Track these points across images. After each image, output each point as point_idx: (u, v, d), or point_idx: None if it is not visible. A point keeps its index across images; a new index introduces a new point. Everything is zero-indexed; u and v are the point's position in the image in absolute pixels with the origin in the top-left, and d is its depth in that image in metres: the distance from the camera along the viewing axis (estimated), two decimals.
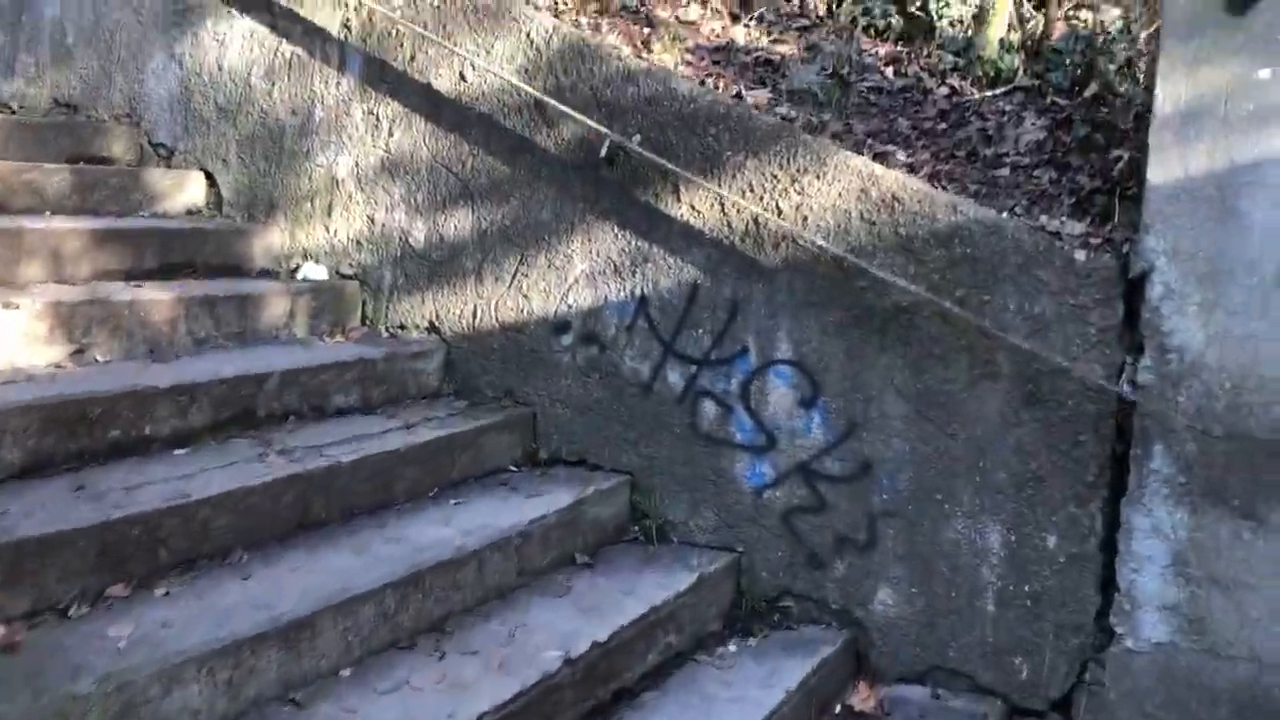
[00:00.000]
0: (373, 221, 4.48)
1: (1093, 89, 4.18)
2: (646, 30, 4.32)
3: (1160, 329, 3.17)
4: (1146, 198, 3.17)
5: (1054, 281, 3.31)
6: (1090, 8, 5.21)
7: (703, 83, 4.06)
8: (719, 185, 3.79)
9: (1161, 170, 3.13)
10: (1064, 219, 3.46)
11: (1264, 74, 2.99)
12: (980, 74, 4.41)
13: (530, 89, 4.02)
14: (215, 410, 3.41)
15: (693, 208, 3.86)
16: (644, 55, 4.12)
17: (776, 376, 3.75)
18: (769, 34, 4.56)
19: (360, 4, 4.39)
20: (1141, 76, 4.43)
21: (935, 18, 4.78)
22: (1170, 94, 3.11)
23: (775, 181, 3.73)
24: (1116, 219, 3.44)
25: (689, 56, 4.24)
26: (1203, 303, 3.10)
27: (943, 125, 4.11)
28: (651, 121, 3.91)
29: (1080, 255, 3.28)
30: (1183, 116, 3.09)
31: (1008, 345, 3.35)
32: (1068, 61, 4.32)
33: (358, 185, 4.50)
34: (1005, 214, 3.47)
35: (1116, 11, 5.24)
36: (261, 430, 3.52)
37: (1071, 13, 5.15)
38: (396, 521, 3.34)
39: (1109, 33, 5.04)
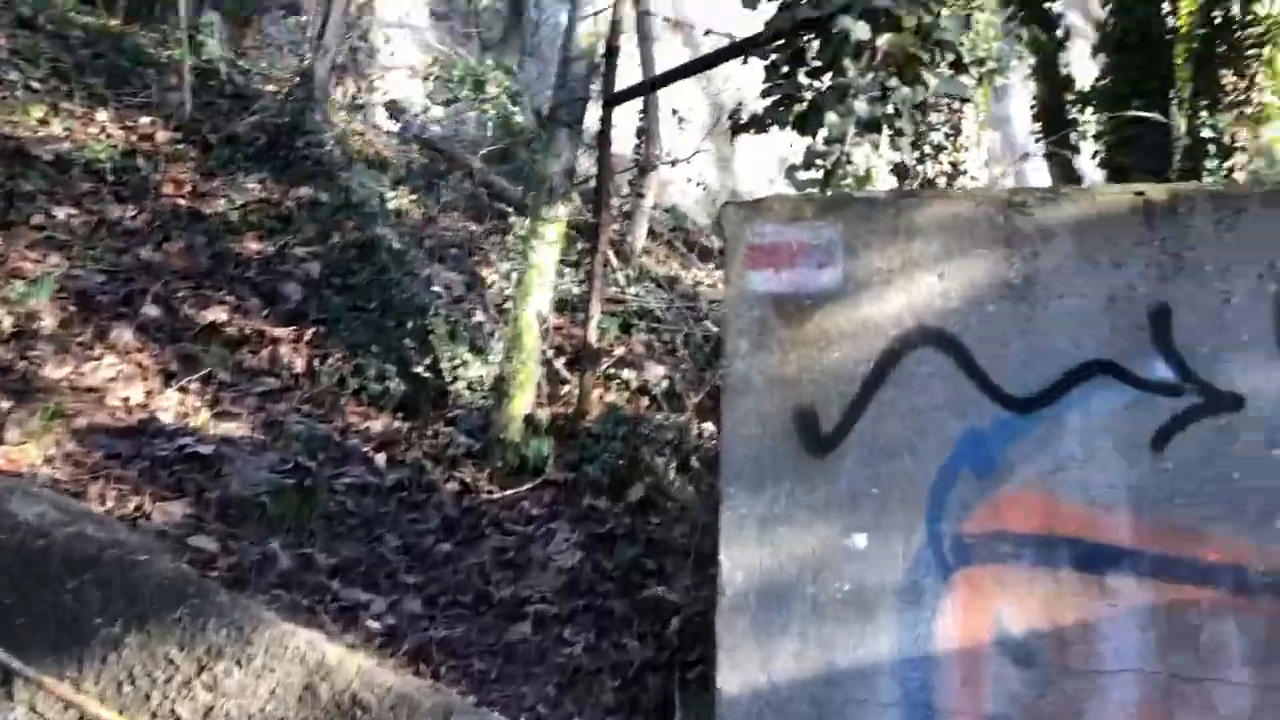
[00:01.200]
0: None
1: (639, 491, 3.28)
2: (9, 405, 2.88)
3: None
4: (721, 715, 2.15)
5: None
6: (631, 365, 4.49)
7: (79, 495, 2.65)
8: (80, 675, 2.34)
9: (737, 677, 2.13)
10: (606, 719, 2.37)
11: (859, 541, 2.12)
12: (502, 462, 3.38)
13: None
14: None
15: (34, 711, 2.35)
16: None
17: None
18: (216, 405, 3.28)
19: None
20: (696, 463, 3.64)
21: (448, 380, 3.75)
22: (740, 562, 2.16)
23: (173, 670, 2.34)
24: (680, 717, 2.40)
25: (74, 446, 2.84)
26: None
27: (447, 545, 2.99)
28: None
29: None
30: (759, 597, 2.14)
31: None
32: (607, 452, 3.42)
33: None
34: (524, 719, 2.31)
35: (661, 370, 4.58)
36: None
37: (613, 370, 4.39)
38: None
39: (655, 396, 4.32)
